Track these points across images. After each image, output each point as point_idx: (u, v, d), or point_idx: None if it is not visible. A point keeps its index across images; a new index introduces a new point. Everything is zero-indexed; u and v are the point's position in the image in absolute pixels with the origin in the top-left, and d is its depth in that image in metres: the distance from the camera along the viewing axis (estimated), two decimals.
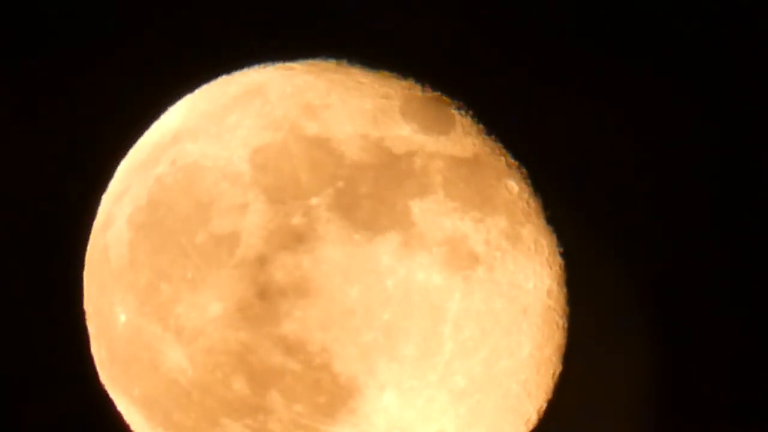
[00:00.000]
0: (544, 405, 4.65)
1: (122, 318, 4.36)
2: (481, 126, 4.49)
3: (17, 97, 6.09)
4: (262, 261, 4.06)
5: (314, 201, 4.09)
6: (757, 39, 6.03)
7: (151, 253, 4.27)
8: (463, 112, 4.50)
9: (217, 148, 4.30)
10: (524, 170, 4.49)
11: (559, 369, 4.61)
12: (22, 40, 6.06)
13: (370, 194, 4.13)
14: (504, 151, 4.47)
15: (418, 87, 4.53)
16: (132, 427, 4.70)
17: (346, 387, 4.09)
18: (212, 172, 4.24)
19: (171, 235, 4.23)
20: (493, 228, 4.26)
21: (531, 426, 4.67)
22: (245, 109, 4.38)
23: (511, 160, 4.47)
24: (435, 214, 4.15)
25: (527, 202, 4.42)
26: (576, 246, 4.60)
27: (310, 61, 4.65)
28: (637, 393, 6.03)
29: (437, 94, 4.54)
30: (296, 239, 4.06)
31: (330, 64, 4.62)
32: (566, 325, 4.56)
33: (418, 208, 4.14)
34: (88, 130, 5.95)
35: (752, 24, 6.03)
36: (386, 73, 4.57)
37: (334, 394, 4.10)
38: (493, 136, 4.48)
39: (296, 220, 4.07)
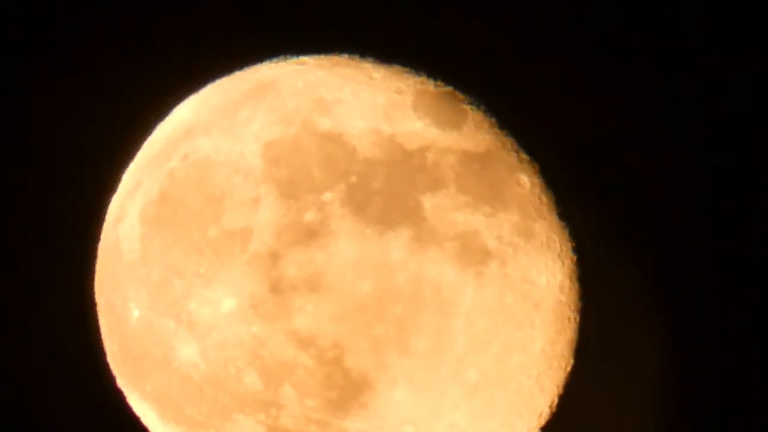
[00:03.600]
0: (557, 399, 4.65)
1: (135, 313, 4.36)
2: (493, 121, 4.48)
3: (29, 92, 6.11)
4: (274, 256, 4.06)
5: (327, 196, 4.09)
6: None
7: (164, 248, 4.27)
8: (475, 107, 4.50)
9: (230, 143, 4.30)
10: (536, 165, 4.49)
11: (571, 363, 4.61)
12: (35, 37, 6.07)
13: (382, 189, 4.12)
14: (516, 146, 4.47)
15: (431, 82, 4.52)
16: (144, 422, 4.70)
17: (357, 382, 4.09)
18: (224, 167, 4.24)
19: (183, 229, 4.23)
20: (506, 223, 4.25)
21: (543, 420, 4.67)
22: (258, 104, 4.38)
23: (524, 155, 4.47)
24: (447, 209, 4.15)
25: (539, 198, 4.42)
26: (588, 241, 4.60)
27: (322, 56, 4.65)
28: (648, 387, 6.03)
29: (449, 89, 4.53)
30: (309, 235, 4.06)
31: (342, 59, 4.61)
32: (578, 320, 4.56)
33: (429, 203, 4.14)
34: (101, 124, 5.96)
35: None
36: (398, 68, 4.57)
37: (346, 389, 4.10)
38: (505, 131, 4.48)
39: (309, 216, 4.07)
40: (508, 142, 4.46)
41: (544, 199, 4.44)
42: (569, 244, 4.50)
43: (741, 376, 6.05)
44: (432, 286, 4.08)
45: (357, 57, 4.64)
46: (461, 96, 4.52)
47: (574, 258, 4.51)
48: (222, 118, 4.41)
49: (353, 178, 4.13)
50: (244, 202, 4.15)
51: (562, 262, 4.44)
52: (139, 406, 4.64)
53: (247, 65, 4.75)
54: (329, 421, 4.16)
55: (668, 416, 6.05)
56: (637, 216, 5.94)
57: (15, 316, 6.10)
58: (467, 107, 4.47)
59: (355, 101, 4.32)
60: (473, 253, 4.15)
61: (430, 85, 4.50)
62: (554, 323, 4.40)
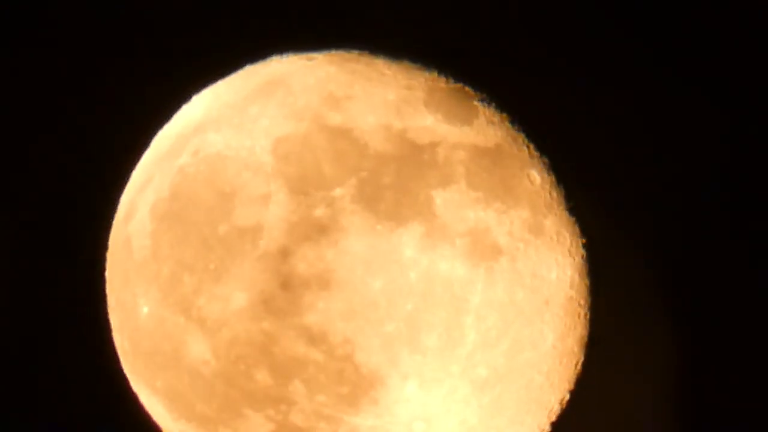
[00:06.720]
0: (567, 395, 4.65)
1: (145, 309, 4.37)
2: (503, 116, 4.48)
3: (37, 89, 6.11)
4: (284, 253, 4.06)
5: (337, 192, 4.09)
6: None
7: (174, 244, 4.27)
8: (485, 102, 4.49)
9: (240, 139, 4.29)
10: (547, 161, 4.48)
11: (581, 359, 4.61)
12: (46, 33, 6.08)
13: (393, 185, 4.12)
14: (527, 141, 4.46)
15: (442, 78, 4.52)
16: (154, 418, 4.71)
17: (368, 377, 4.09)
18: (235, 163, 4.24)
19: (194, 226, 4.23)
20: (516, 219, 4.25)
21: (553, 416, 4.67)
22: (268, 100, 4.38)
23: (534, 151, 4.46)
24: (458, 205, 4.15)
25: (550, 193, 4.41)
26: (598, 237, 4.60)
27: (332, 52, 4.64)
28: (659, 383, 6.03)
29: (460, 84, 4.53)
30: (319, 231, 4.05)
31: (352, 55, 4.61)
32: (588, 316, 4.55)
33: (440, 198, 4.13)
34: (111, 121, 5.96)
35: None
36: (409, 64, 4.56)
37: (357, 385, 4.11)
38: (515, 127, 4.47)
39: (319, 211, 4.07)
40: (519, 137, 4.45)
41: (555, 194, 4.44)
42: (579, 240, 4.49)
43: (752, 372, 6.05)
44: (443, 282, 4.08)
45: (367, 53, 4.63)
46: (472, 92, 4.51)
47: (584, 254, 4.51)
48: (232, 114, 4.41)
49: (364, 174, 4.12)
50: (255, 198, 4.14)
51: (573, 258, 4.44)
52: (149, 401, 4.65)
53: (257, 61, 4.75)
54: (340, 417, 4.16)
55: (679, 412, 6.05)
56: (648, 211, 5.93)
57: (26, 313, 6.11)
58: (478, 103, 4.46)
59: (365, 97, 4.32)
60: (484, 249, 4.15)
61: (440, 81, 4.49)
62: (564, 319, 4.40)
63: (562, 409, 4.68)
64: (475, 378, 4.21)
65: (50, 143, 6.09)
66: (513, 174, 4.33)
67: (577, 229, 4.50)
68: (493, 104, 4.50)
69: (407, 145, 4.20)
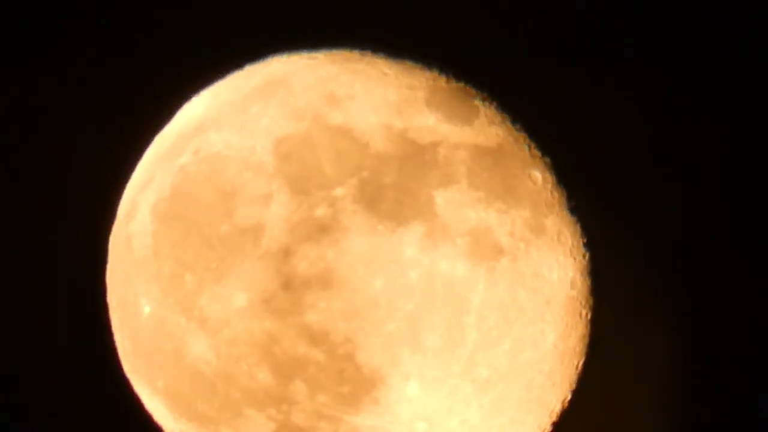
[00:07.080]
0: (568, 395, 4.65)
1: (146, 309, 4.37)
2: (505, 116, 4.48)
3: (39, 87, 6.11)
4: (286, 252, 4.06)
5: (338, 192, 4.09)
6: None
7: (175, 243, 4.27)
8: (486, 102, 4.49)
9: (241, 138, 4.29)
10: (548, 160, 4.48)
11: (582, 359, 4.61)
12: (48, 33, 6.07)
13: (394, 185, 4.12)
14: (528, 141, 4.46)
15: (443, 78, 4.52)
16: (155, 418, 4.71)
17: (369, 377, 4.09)
18: (235, 162, 4.24)
19: (195, 225, 4.23)
20: (517, 219, 4.25)
21: (555, 416, 4.67)
22: (269, 99, 4.38)
23: (535, 151, 4.46)
24: (459, 204, 4.15)
25: (551, 193, 4.41)
26: (599, 236, 4.60)
27: (333, 52, 4.64)
28: (660, 383, 6.03)
29: (461, 84, 4.53)
30: (320, 230, 4.05)
31: (354, 55, 4.61)
32: (590, 316, 4.56)
33: (441, 198, 4.13)
34: (112, 120, 5.96)
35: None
36: (410, 64, 4.56)
37: (358, 384, 4.11)
38: (517, 127, 4.47)
39: (320, 211, 4.07)
40: (520, 137, 4.45)
41: (556, 194, 4.44)
42: (581, 240, 4.50)
43: (752, 372, 6.05)
44: (444, 282, 4.08)
45: (369, 52, 4.63)
46: (473, 91, 4.51)
47: (586, 254, 4.51)
48: (233, 114, 4.41)
49: (365, 174, 4.12)
50: (256, 197, 4.14)
51: (574, 258, 4.44)
52: (150, 401, 4.65)
53: (258, 60, 4.74)
54: (340, 417, 4.16)
55: (681, 412, 6.05)
56: (649, 211, 5.93)
57: (27, 313, 6.10)
58: (479, 103, 4.47)
59: (366, 97, 4.32)
60: (485, 249, 4.15)
61: (442, 81, 4.49)
62: (566, 319, 4.40)
63: (563, 408, 4.68)
64: (476, 378, 4.21)
65: (50, 143, 6.09)
66: (514, 174, 4.33)
67: (578, 229, 4.50)
68: (494, 104, 4.50)
69: (408, 144, 4.20)
